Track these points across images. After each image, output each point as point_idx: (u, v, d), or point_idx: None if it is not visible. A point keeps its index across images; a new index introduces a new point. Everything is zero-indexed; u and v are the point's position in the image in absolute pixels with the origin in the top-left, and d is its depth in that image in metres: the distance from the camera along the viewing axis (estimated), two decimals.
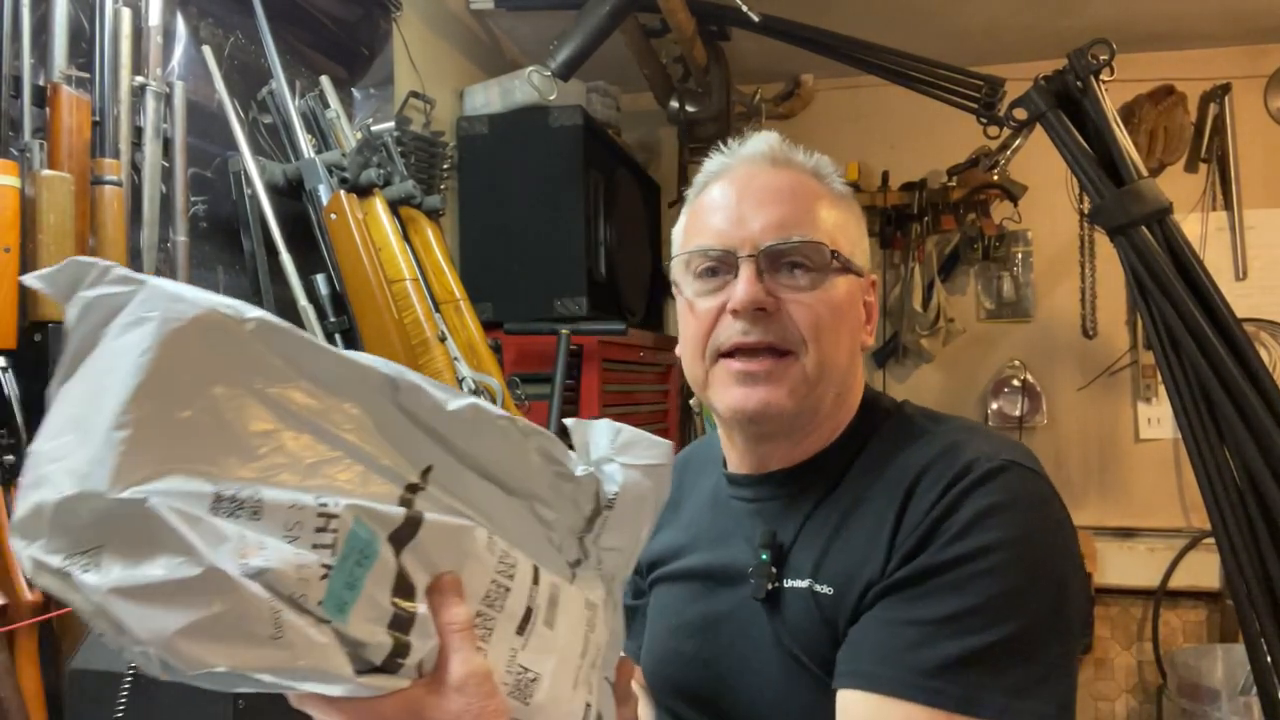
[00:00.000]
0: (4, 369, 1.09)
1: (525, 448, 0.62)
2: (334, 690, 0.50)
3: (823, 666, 0.79)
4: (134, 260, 1.34)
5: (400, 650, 0.53)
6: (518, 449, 0.61)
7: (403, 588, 0.54)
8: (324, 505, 0.50)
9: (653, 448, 0.71)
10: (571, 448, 0.68)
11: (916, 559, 0.75)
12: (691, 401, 2.92)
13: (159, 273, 1.39)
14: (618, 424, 0.72)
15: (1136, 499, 3.11)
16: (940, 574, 0.74)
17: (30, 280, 0.49)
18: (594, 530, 0.68)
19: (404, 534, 0.54)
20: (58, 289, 0.49)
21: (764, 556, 0.85)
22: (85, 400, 0.47)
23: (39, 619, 1.08)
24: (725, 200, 0.88)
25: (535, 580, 0.63)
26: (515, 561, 0.61)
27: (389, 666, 0.53)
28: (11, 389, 1.10)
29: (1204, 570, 2.92)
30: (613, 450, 0.70)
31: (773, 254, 0.84)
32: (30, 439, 1.10)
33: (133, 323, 0.47)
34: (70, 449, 0.46)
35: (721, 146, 0.93)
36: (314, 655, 0.49)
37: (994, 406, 3.21)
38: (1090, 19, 2.71)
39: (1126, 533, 3.08)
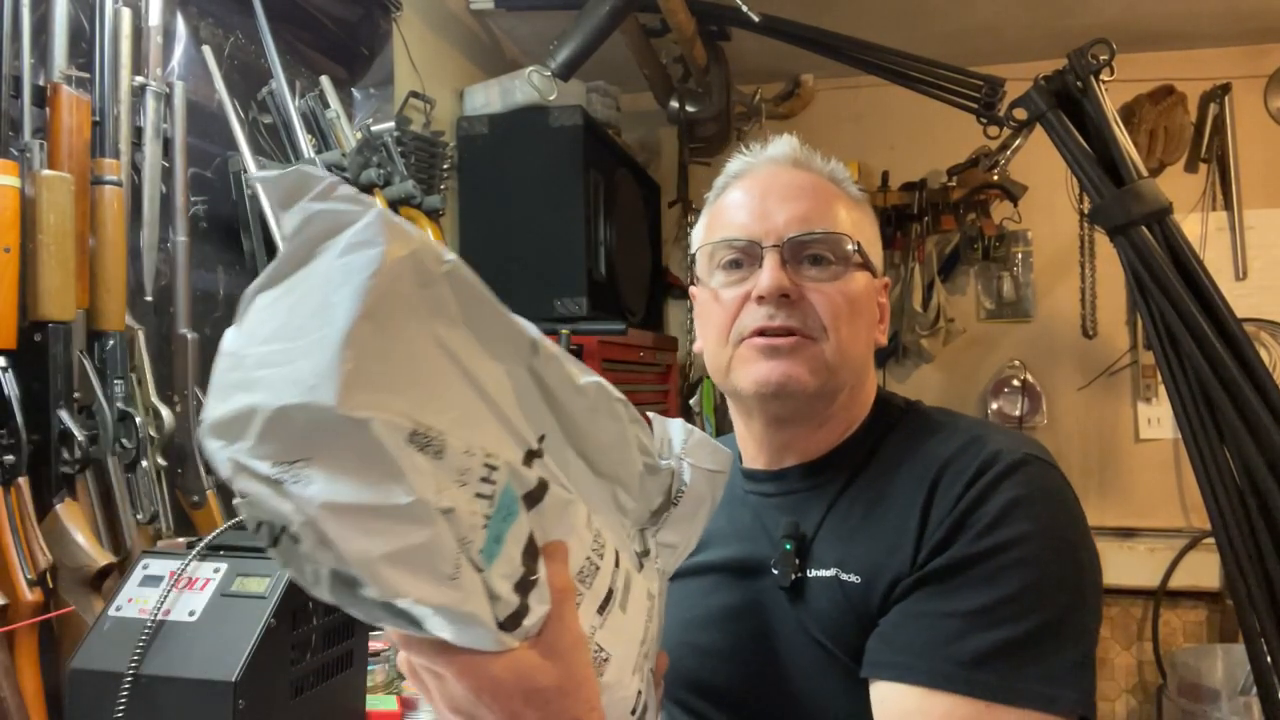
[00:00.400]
0: (4, 369, 1.09)
1: (628, 435, 0.63)
2: (478, 640, 0.52)
3: (850, 654, 0.80)
4: (134, 260, 1.34)
5: (521, 611, 0.54)
6: (622, 434, 0.63)
7: (530, 551, 0.55)
8: (490, 456, 0.51)
9: (717, 453, 0.74)
10: None
11: (947, 551, 0.77)
12: (692, 401, 2.92)
13: (159, 273, 1.39)
14: (690, 425, 0.74)
15: (1136, 499, 3.11)
16: (972, 566, 0.76)
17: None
18: (658, 524, 0.70)
19: (534, 497, 0.55)
20: (280, 194, 0.49)
21: (788, 546, 0.86)
22: (302, 311, 0.46)
23: (39, 619, 1.08)
24: (750, 196, 0.91)
25: (617, 563, 0.64)
26: (605, 542, 0.62)
27: (509, 625, 0.54)
28: (11, 389, 1.10)
29: (1204, 570, 2.92)
30: (683, 450, 0.71)
31: (796, 245, 0.87)
32: (30, 439, 1.11)
33: (359, 244, 0.47)
34: (289, 357, 0.46)
35: (743, 149, 0.97)
36: (476, 601, 0.50)
37: (994, 406, 3.21)
38: (1090, 19, 2.71)
39: (1126, 533, 3.08)
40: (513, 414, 0.55)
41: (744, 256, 0.90)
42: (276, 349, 0.46)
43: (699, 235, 0.97)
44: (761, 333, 0.87)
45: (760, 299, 0.86)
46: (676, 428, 0.73)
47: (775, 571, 0.87)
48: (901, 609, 0.78)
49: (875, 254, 0.94)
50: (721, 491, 0.76)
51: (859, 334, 0.89)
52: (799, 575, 0.85)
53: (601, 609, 0.62)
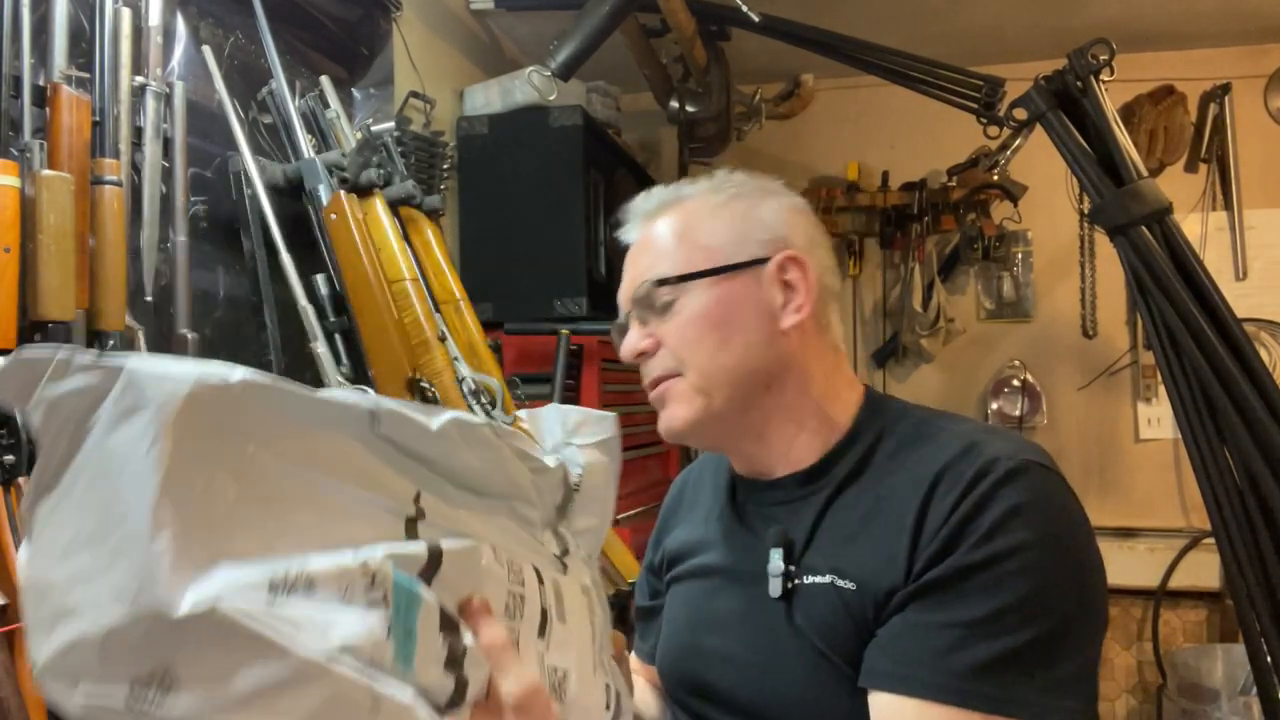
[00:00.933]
0: None
1: (502, 453, 0.61)
2: None
3: (847, 661, 0.80)
4: (134, 260, 1.33)
5: (460, 685, 0.52)
6: (496, 455, 0.61)
7: (448, 624, 0.52)
8: (364, 562, 0.47)
9: (600, 422, 0.74)
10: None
11: (945, 560, 0.76)
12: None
13: (159, 273, 1.39)
14: (564, 406, 0.74)
15: (1136, 499, 3.11)
16: (971, 576, 0.75)
17: None
18: (567, 516, 0.69)
19: (431, 568, 0.52)
20: (11, 389, 0.42)
21: (776, 556, 0.87)
22: (93, 509, 0.41)
23: None
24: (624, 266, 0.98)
25: (541, 580, 0.63)
26: (521, 567, 0.61)
27: (453, 704, 0.52)
28: None
29: (1204, 570, 2.92)
30: (566, 434, 0.71)
31: (636, 303, 0.93)
32: (30, 439, 1.10)
33: (125, 412, 0.41)
34: (99, 566, 0.40)
35: (622, 210, 1.02)
36: (409, 714, 0.47)
37: (994, 406, 3.21)
38: (1090, 19, 2.71)
39: (1126, 533, 3.08)
40: (376, 491, 0.52)
41: (625, 324, 0.96)
42: (82, 562, 0.41)
43: None
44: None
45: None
46: (550, 416, 0.73)
47: (770, 581, 0.86)
48: (901, 619, 0.78)
49: (733, 245, 0.91)
50: (619, 452, 0.79)
51: (727, 344, 0.89)
52: (792, 583, 0.85)
53: (541, 632, 0.61)
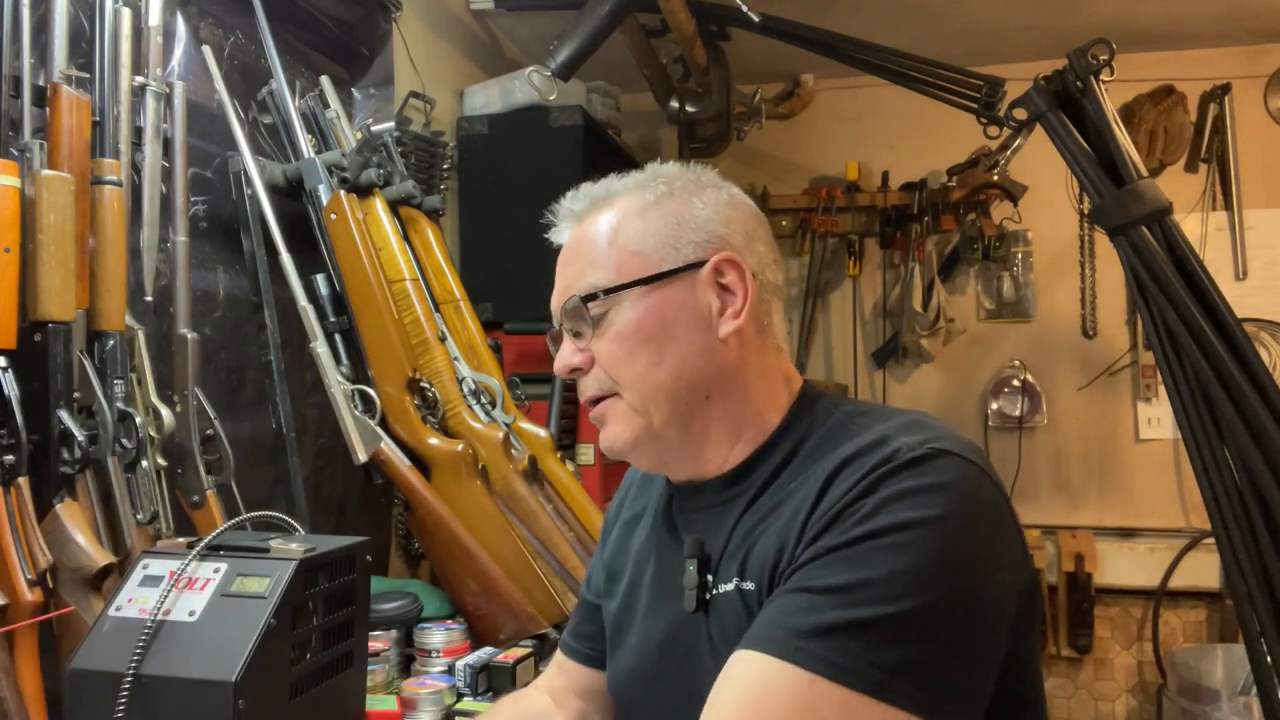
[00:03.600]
0: (4, 369, 1.09)
1: None
2: None
3: None
4: (134, 260, 1.33)
5: None
6: None
7: None
8: None
9: None
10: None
11: (822, 538, 0.73)
12: None
13: (159, 273, 1.39)
14: None
15: (1136, 499, 3.11)
16: (842, 549, 0.71)
17: None
18: None
19: None
20: None
21: (691, 567, 0.84)
22: None
23: (39, 619, 1.08)
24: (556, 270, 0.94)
25: None
26: None
27: None
28: (11, 389, 1.09)
29: (1204, 570, 2.92)
30: None
31: (566, 314, 0.90)
32: (30, 439, 1.10)
33: None
34: None
35: (552, 208, 0.99)
36: None
37: (994, 406, 3.21)
38: (1090, 19, 2.71)
39: (1126, 533, 3.08)
40: None
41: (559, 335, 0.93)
42: None
43: None
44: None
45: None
46: None
47: (685, 593, 0.84)
48: (772, 595, 0.75)
49: (664, 249, 0.86)
50: None
51: (660, 359, 0.84)
52: (709, 595, 0.82)
53: None
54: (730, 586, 0.81)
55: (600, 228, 0.90)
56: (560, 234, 0.95)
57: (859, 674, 0.66)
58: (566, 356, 0.90)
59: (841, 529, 0.72)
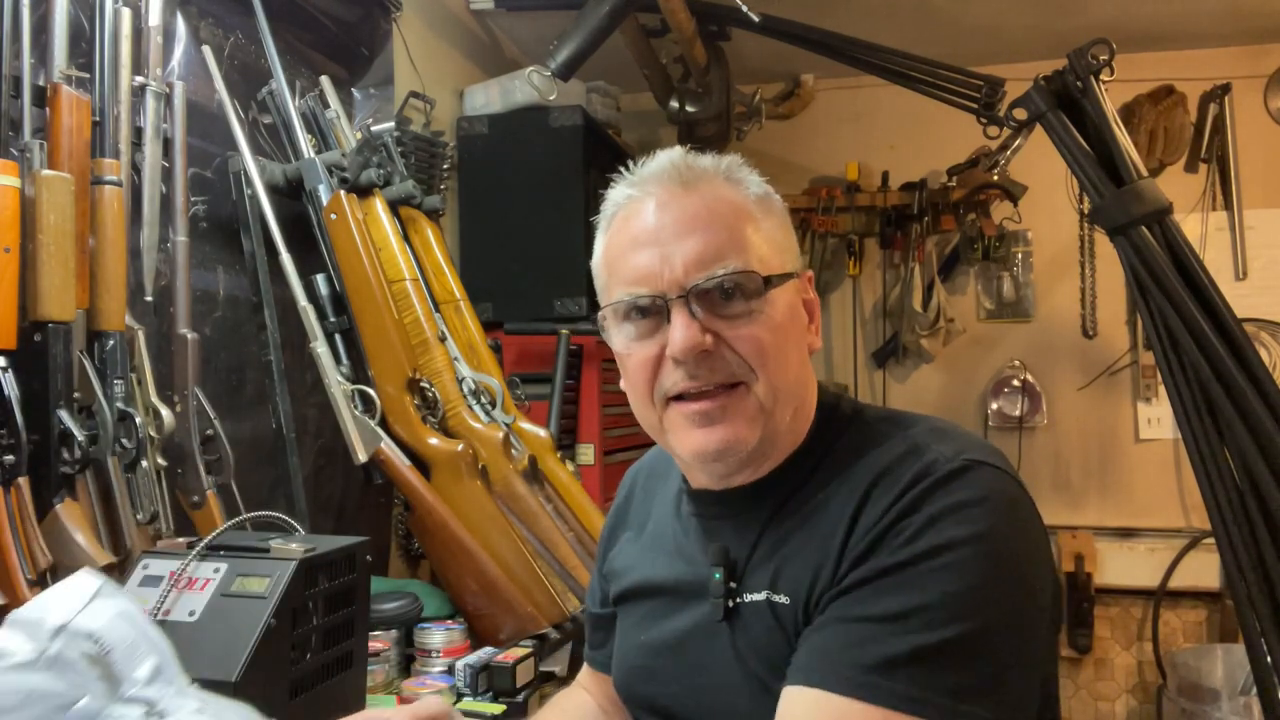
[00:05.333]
0: (4, 369, 1.09)
1: None
2: None
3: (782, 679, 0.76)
4: (134, 260, 1.33)
5: None
6: None
7: None
8: None
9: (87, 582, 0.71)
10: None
11: (869, 560, 0.72)
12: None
13: (159, 273, 1.39)
14: (89, 578, 0.71)
15: (1136, 499, 3.11)
16: (892, 572, 0.71)
17: None
18: (116, 681, 0.67)
19: None
20: None
21: (717, 575, 0.83)
22: None
23: None
24: (643, 235, 0.81)
25: None
26: None
27: None
28: (11, 389, 1.09)
29: (1204, 570, 2.92)
30: (74, 623, 0.68)
31: (702, 291, 0.78)
32: (30, 439, 1.10)
33: None
34: None
35: (625, 171, 0.87)
36: None
37: (994, 406, 3.21)
38: (1090, 19, 2.71)
39: (1126, 533, 3.08)
40: None
41: (650, 309, 0.81)
42: None
43: (599, 273, 0.88)
44: (685, 395, 0.80)
45: (676, 360, 0.79)
46: (54, 604, 0.67)
47: (710, 601, 0.83)
48: (821, 619, 0.74)
49: (789, 252, 0.85)
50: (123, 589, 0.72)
51: (790, 360, 0.82)
52: (734, 602, 0.82)
53: None
54: (759, 597, 0.80)
55: (729, 206, 0.82)
56: (651, 197, 0.83)
57: (934, 704, 0.67)
58: (695, 335, 0.77)
59: (889, 550, 0.72)
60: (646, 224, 0.81)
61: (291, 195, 1.71)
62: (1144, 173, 1.88)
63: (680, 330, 0.78)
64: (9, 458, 1.09)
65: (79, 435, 1.16)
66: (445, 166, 2.23)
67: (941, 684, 0.67)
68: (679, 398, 0.81)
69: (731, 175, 0.85)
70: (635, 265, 0.81)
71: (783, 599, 0.78)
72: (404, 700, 1.30)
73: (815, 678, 0.70)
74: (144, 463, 1.25)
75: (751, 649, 0.79)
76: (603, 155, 2.48)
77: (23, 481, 1.10)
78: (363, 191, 1.72)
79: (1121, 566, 3.01)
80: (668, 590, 0.91)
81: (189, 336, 1.38)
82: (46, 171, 1.15)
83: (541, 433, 1.83)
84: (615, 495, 1.10)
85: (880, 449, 0.79)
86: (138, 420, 1.23)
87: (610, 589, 1.01)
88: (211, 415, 1.38)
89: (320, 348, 1.57)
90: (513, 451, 1.73)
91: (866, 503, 0.75)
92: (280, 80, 1.68)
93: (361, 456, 1.55)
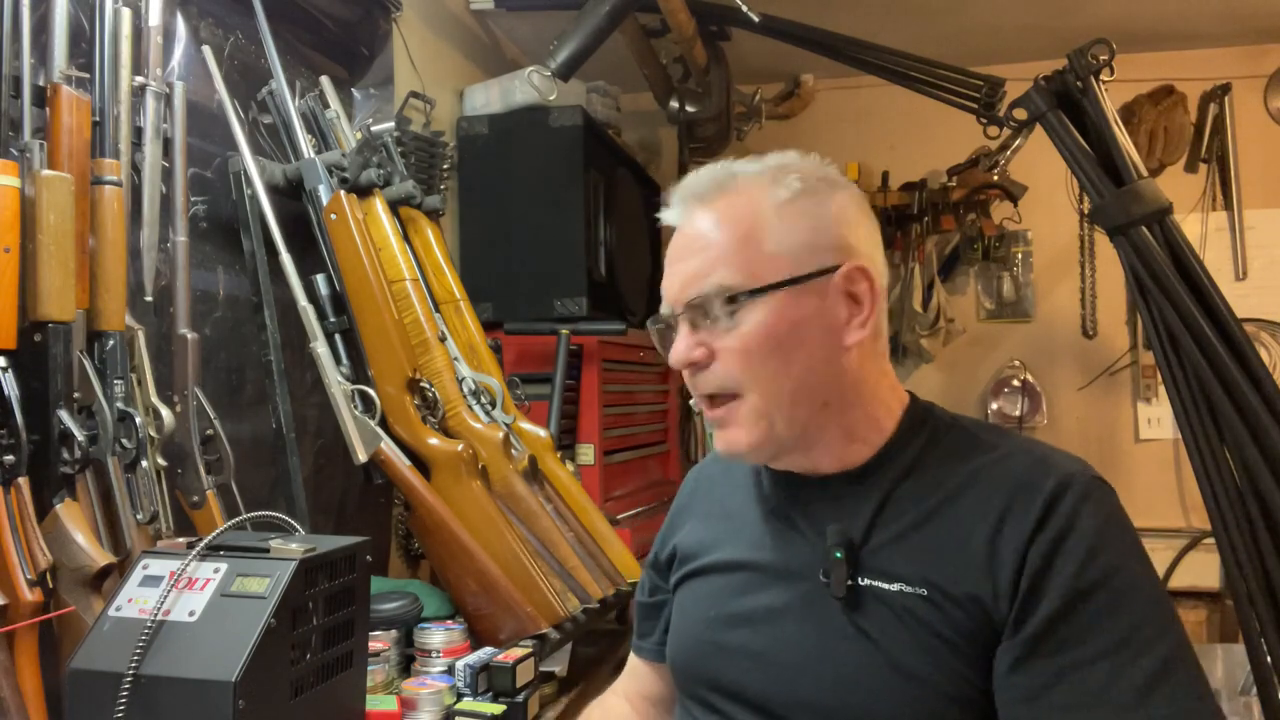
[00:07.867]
0: (4, 369, 1.09)
1: None
2: None
3: (911, 665, 0.79)
4: (134, 260, 1.33)
5: None
6: None
7: None
8: None
9: None
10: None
11: (1052, 592, 0.77)
12: (692, 402, 2.92)
13: (159, 273, 1.39)
14: None
15: (1136, 499, 3.10)
16: (1085, 602, 0.76)
17: None
18: None
19: None
20: None
21: (838, 555, 0.85)
22: None
23: (39, 619, 1.08)
24: (669, 256, 0.91)
25: None
26: None
27: None
28: (11, 389, 1.09)
29: (1204, 570, 2.92)
30: None
31: (691, 308, 0.87)
32: (30, 439, 1.10)
33: None
34: None
35: (672, 190, 0.93)
36: None
37: (994, 406, 3.21)
38: (1090, 19, 2.71)
39: None
40: None
41: (669, 325, 0.90)
42: None
43: None
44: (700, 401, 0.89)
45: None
46: None
47: (826, 580, 0.85)
48: (1037, 668, 0.76)
49: (816, 249, 0.86)
50: None
51: (789, 364, 0.84)
52: (852, 583, 0.84)
53: None
54: (891, 587, 0.82)
55: (732, 221, 0.87)
56: (676, 215, 0.91)
57: (1190, 710, 0.74)
58: (684, 350, 0.87)
59: (1067, 576, 0.77)
60: (673, 245, 0.91)
61: (291, 195, 1.71)
62: (1144, 173, 1.88)
63: (674, 345, 0.88)
64: (9, 458, 1.09)
65: (79, 435, 1.16)
66: (445, 167, 2.23)
67: (1182, 692, 0.74)
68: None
69: (763, 178, 0.90)
70: (663, 285, 0.91)
71: (918, 590, 0.81)
72: (404, 700, 1.30)
73: None
74: (144, 463, 1.25)
75: (884, 634, 0.81)
76: (603, 155, 2.48)
77: (23, 481, 1.10)
78: (363, 191, 1.72)
79: None
80: (751, 568, 0.92)
81: (189, 336, 1.38)
82: (46, 171, 1.15)
83: (541, 433, 1.83)
84: (676, 495, 1.13)
85: (996, 455, 0.85)
86: (138, 420, 1.23)
87: (671, 575, 1.03)
88: (211, 415, 1.38)
89: (320, 348, 1.57)
90: (513, 451, 1.73)
91: (1008, 514, 0.80)
92: (280, 80, 1.68)
93: (361, 456, 1.55)
